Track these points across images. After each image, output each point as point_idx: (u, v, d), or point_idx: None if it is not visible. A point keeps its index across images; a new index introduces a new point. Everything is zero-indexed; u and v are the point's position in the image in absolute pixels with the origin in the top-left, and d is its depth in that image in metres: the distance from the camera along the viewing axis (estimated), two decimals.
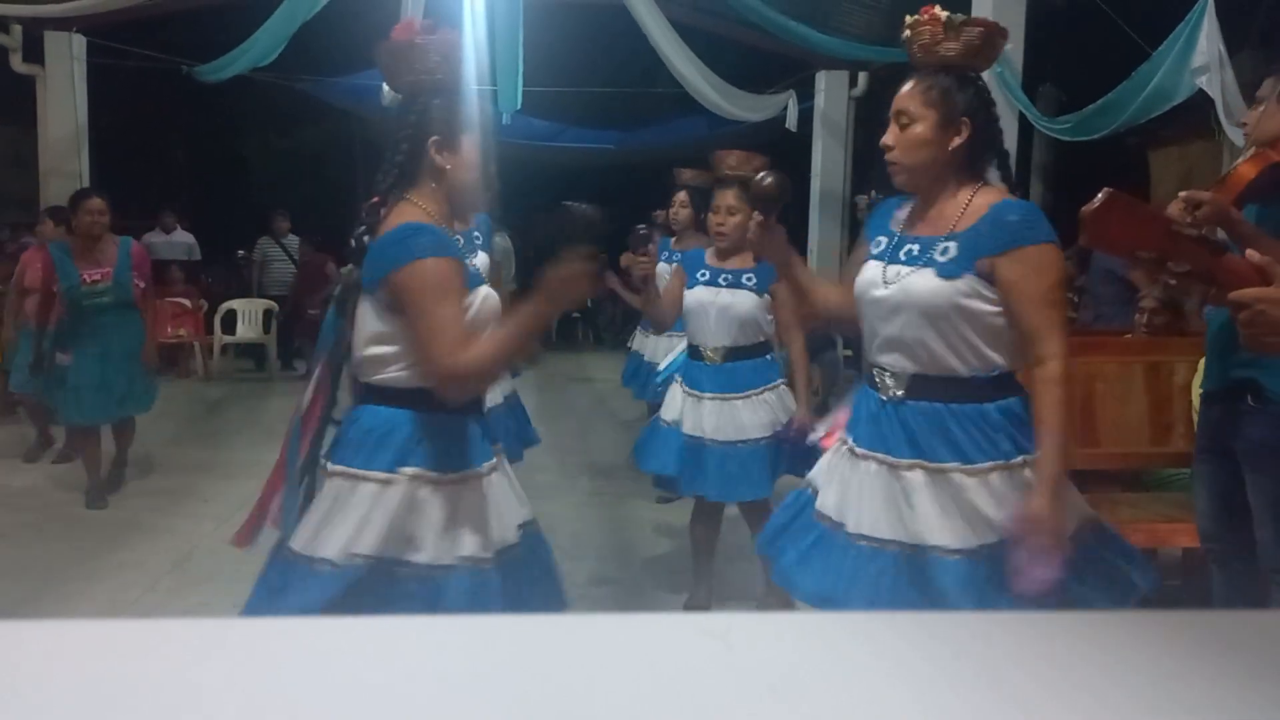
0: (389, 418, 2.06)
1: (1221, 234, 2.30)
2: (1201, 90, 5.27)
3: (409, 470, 2.04)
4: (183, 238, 10.84)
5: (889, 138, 2.17)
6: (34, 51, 8.36)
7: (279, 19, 7.17)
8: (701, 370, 3.68)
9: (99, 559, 4.30)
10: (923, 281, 2.11)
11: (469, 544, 2.06)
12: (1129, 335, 4.25)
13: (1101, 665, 0.84)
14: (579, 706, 0.76)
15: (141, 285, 5.25)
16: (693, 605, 3.88)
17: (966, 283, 2.07)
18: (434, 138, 2.11)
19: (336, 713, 0.75)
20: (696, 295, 3.64)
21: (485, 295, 2.11)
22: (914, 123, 2.13)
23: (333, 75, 10.71)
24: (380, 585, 2.02)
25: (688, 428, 3.66)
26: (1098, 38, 6.79)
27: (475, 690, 0.78)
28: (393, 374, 2.07)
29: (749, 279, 3.60)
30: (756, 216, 2.32)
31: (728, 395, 3.62)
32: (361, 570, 2.01)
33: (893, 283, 2.14)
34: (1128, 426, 3.74)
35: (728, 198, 3.57)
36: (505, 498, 2.17)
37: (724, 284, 3.61)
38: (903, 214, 2.26)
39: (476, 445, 2.14)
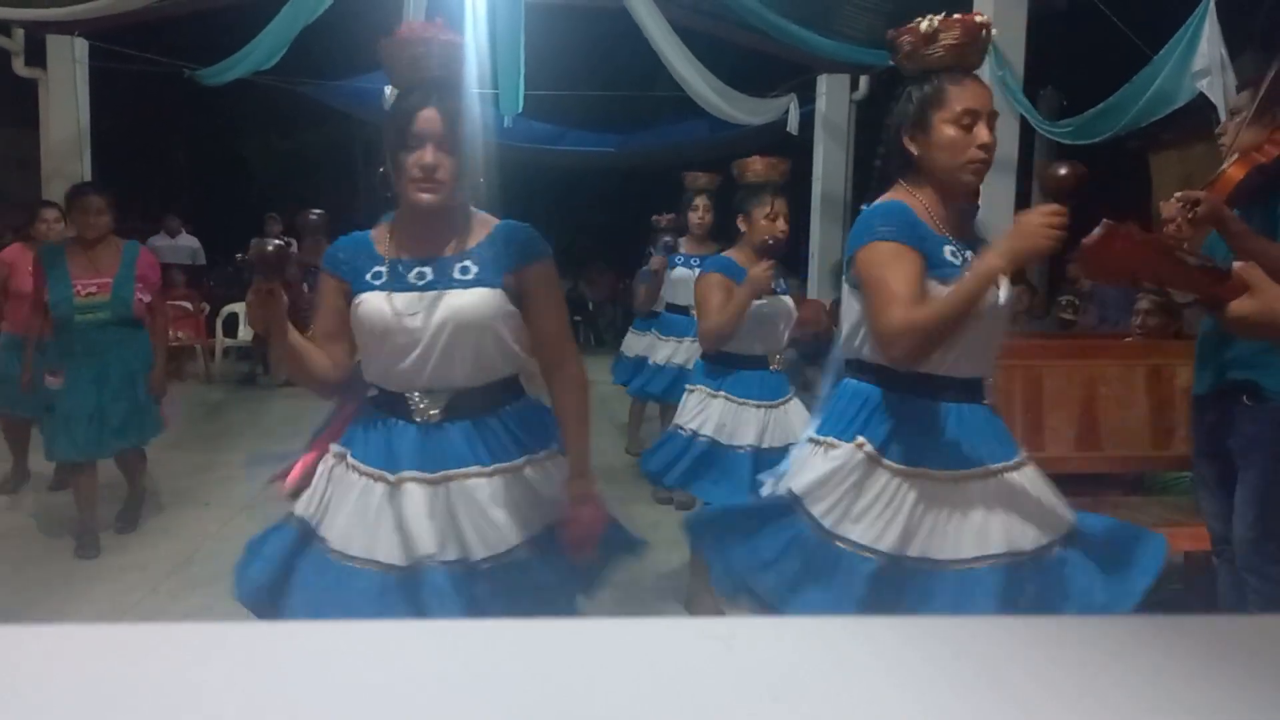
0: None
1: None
2: (1202, 94, 5.27)
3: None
4: (187, 242, 10.87)
5: (989, 137, 2.06)
6: (36, 55, 8.38)
7: (281, 23, 7.18)
8: (762, 379, 3.66)
9: (100, 561, 4.30)
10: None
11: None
12: (1130, 339, 4.25)
13: (1103, 668, 0.84)
14: (581, 709, 0.76)
15: (146, 300, 4.47)
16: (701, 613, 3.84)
17: None
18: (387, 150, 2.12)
19: (338, 715, 0.75)
20: (758, 304, 3.55)
21: (362, 301, 2.10)
22: (995, 124, 2.10)
23: (334, 78, 10.72)
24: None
25: (756, 441, 3.60)
26: (1098, 41, 6.79)
27: (477, 693, 0.78)
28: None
29: (782, 284, 3.67)
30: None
31: (782, 401, 3.67)
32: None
33: (1001, 290, 2.03)
34: (1129, 429, 3.75)
35: (783, 205, 3.60)
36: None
37: (780, 291, 3.64)
38: (936, 219, 2.12)
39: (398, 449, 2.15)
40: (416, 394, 2.10)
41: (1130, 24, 6.08)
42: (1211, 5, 5.20)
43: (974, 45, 2.10)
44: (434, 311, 2.05)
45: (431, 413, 2.11)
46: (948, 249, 2.08)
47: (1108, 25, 6.12)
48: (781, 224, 3.59)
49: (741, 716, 0.75)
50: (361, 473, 2.11)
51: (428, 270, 2.10)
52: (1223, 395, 2.74)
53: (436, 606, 1.97)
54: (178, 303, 9.72)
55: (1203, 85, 5.23)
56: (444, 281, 2.09)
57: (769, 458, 3.56)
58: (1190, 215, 2.38)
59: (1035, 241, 1.85)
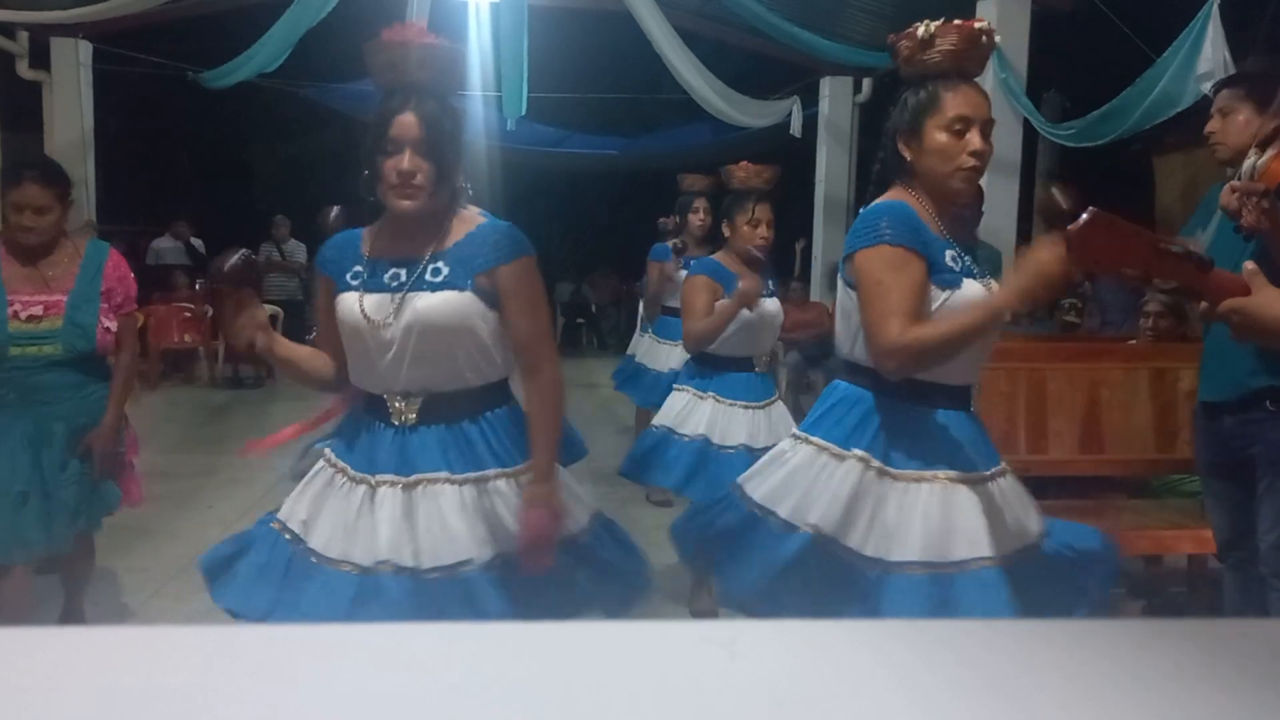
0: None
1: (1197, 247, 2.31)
2: (1206, 96, 5.27)
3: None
4: (194, 244, 10.89)
5: (981, 144, 2.07)
6: (40, 58, 8.42)
7: (284, 25, 7.19)
8: (749, 381, 3.71)
9: (104, 564, 4.30)
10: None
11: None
12: (1134, 341, 4.24)
13: (1107, 673, 0.84)
14: (582, 714, 0.76)
15: (112, 326, 3.12)
16: (703, 611, 3.89)
17: None
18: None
19: (341, 718, 0.75)
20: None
21: (339, 301, 2.11)
22: (990, 132, 2.11)
23: (337, 81, 10.74)
24: None
25: (750, 441, 3.62)
26: (1102, 44, 6.79)
27: (478, 697, 0.78)
28: None
29: (769, 286, 3.73)
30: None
31: (770, 401, 3.74)
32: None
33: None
34: (1133, 432, 3.74)
35: (767, 211, 3.63)
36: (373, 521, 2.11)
37: (765, 293, 3.68)
38: (936, 222, 2.11)
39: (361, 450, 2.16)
40: (394, 397, 2.09)
41: (1134, 27, 6.08)
42: (1215, 8, 5.20)
43: (972, 51, 2.09)
44: (402, 314, 2.03)
45: (408, 416, 2.08)
46: (949, 254, 2.08)
47: (1111, 28, 6.12)
48: (763, 230, 3.62)
49: None
50: (347, 475, 2.12)
51: (402, 272, 2.08)
52: (1243, 402, 2.69)
53: (380, 613, 1.95)
54: (182, 305, 9.76)
55: (1206, 88, 5.22)
56: (414, 284, 2.07)
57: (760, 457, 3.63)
58: (1266, 207, 2.35)
59: (1047, 280, 1.86)
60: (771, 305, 3.71)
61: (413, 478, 2.06)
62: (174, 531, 4.83)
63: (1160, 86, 5.51)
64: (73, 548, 3.16)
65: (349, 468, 2.12)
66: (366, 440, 2.12)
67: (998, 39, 2.14)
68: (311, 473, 2.19)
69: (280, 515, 2.16)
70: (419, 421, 2.08)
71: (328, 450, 2.19)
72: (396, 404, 2.08)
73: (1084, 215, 1.43)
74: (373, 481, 2.08)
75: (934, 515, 2.02)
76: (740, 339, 3.65)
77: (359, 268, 2.11)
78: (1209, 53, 5.21)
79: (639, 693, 0.79)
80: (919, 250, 2.03)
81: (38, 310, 3.00)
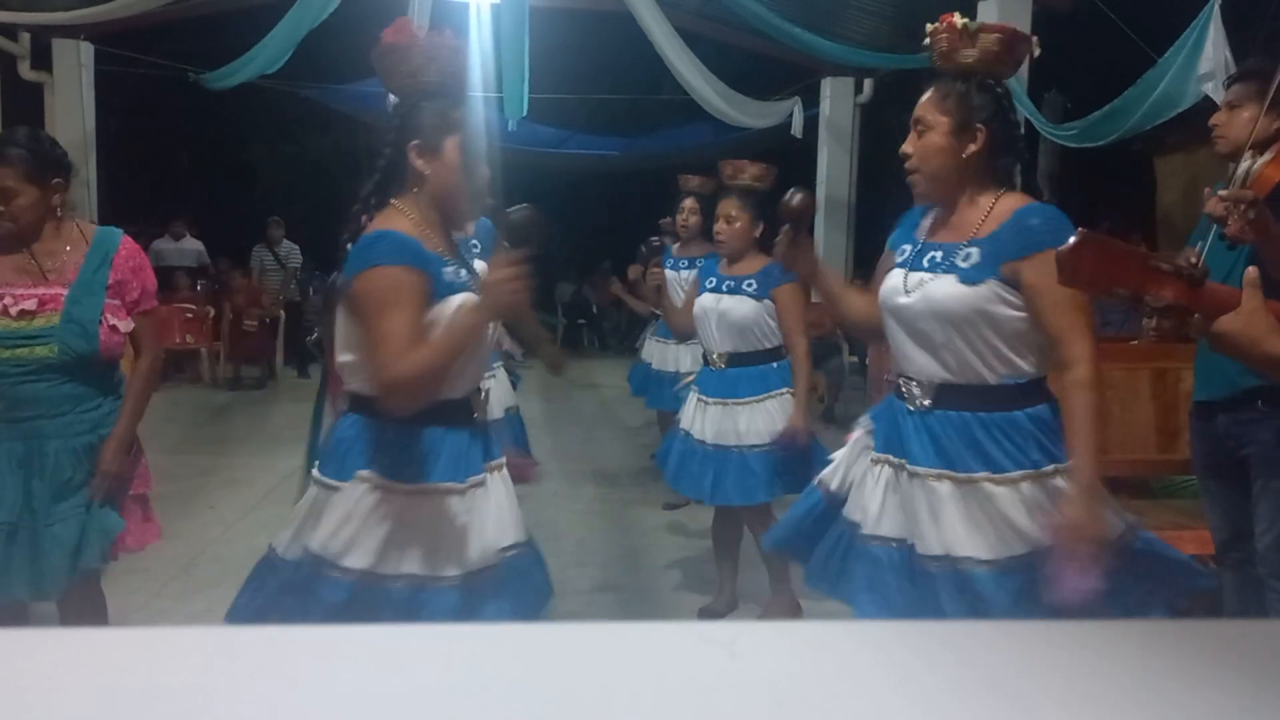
0: (357, 424, 2.06)
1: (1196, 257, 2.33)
2: (1207, 97, 5.26)
3: (364, 474, 2.01)
4: (192, 245, 10.91)
5: (907, 145, 2.17)
6: (42, 59, 8.42)
7: (286, 26, 7.19)
8: (708, 376, 3.75)
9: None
10: (944, 288, 2.09)
11: (415, 560, 2.01)
12: (1135, 341, 4.24)
13: (1107, 673, 0.84)
14: (582, 714, 0.76)
15: (122, 327, 2.61)
16: (710, 612, 3.90)
17: (989, 288, 2.05)
18: (414, 142, 2.07)
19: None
20: (701, 302, 3.72)
21: (460, 303, 2.01)
22: (929, 130, 2.12)
23: (339, 82, 10.74)
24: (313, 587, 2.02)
25: (695, 431, 3.72)
26: (1103, 44, 6.79)
27: (478, 697, 0.78)
28: (362, 381, 2.03)
29: (749, 285, 3.64)
30: (785, 230, 2.38)
31: (728, 400, 3.66)
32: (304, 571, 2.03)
33: (914, 290, 2.14)
34: (1134, 433, 3.74)
35: (729, 206, 3.65)
36: (483, 517, 2.08)
37: (725, 290, 3.66)
38: (926, 222, 2.26)
39: (448, 459, 2.05)
40: (481, 390, 2.18)
41: (1135, 27, 6.08)
42: (1216, 8, 5.19)
43: (957, 48, 2.12)
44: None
45: (486, 406, 2.20)
46: (904, 248, 2.24)
47: (1112, 28, 6.12)
48: (720, 225, 3.68)
49: None
50: (442, 493, 2.04)
51: (463, 270, 2.13)
52: (1234, 402, 2.69)
53: (525, 592, 2.14)
54: (184, 305, 9.77)
55: (1208, 89, 5.22)
56: (474, 281, 2.12)
57: (716, 452, 3.64)
58: (1252, 216, 2.32)
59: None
60: (727, 303, 3.63)
61: (496, 462, 2.17)
62: (174, 531, 4.83)
63: (1161, 87, 5.50)
64: (73, 594, 2.65)
65: (441, 484, 2.07)
66: (454, 449, 2.07)
67: (962, 22, 2.11)
68: (371, 515, 2.03)
69: (357, 565, 2.04)
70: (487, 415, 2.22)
71: (373, 477, 2.04)
72: (480, 397, 2.19)
73: (1072, 237, 1.43)
74: (463, 485, 2.10)
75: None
76: (699, 333, 3.78)
77: (449, 268, 2.06)
78: (1210, 53, 5.20)
79: (639, 693, 0.79)
80: (891, 248, 2.29)
81: (30, 305, 2.52)
